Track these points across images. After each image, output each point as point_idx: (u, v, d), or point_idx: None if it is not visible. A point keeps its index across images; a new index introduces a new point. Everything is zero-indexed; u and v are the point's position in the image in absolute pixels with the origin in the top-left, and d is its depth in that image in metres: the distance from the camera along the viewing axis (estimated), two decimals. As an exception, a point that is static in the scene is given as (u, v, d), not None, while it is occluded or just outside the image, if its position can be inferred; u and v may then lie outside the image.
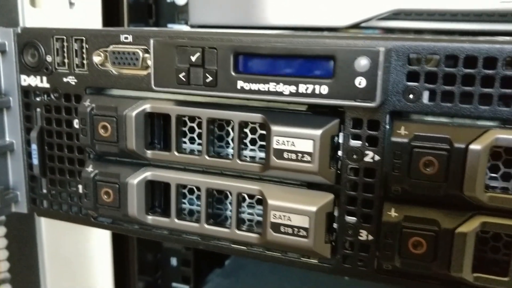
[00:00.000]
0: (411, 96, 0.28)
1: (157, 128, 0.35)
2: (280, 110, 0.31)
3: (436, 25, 0.50)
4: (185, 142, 0.36)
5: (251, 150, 0.34)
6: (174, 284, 0.72)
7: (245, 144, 0.34)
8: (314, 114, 0.30)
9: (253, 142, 0.34)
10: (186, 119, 0.35)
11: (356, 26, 0.51)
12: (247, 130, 0.34)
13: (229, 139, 0.34)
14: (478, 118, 0.27)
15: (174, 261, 0.71)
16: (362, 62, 0.26)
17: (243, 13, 0.54)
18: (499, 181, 0.29)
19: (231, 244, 0.34)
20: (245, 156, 0.33)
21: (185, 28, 0.61)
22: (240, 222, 0.33)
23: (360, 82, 0.26)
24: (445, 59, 0.27)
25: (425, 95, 0.28)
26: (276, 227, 0.31)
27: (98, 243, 0.65)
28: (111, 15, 0.61)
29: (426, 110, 0.28)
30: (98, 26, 0.59)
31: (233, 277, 0.72)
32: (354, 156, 0.30)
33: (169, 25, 0.65)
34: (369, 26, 0.52)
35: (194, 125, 0.35)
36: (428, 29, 0.50)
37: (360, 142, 0.30)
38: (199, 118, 0.33)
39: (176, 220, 0.34)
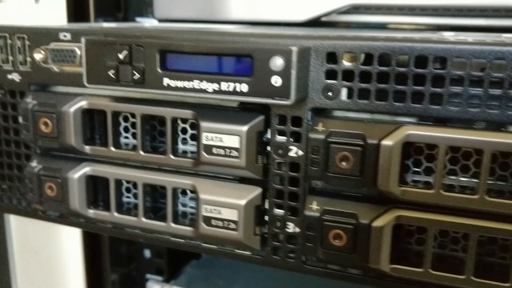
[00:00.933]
0: (330, 93, 0.29)
1: (98, 124, 0.36)
2: (211, 107, 0.31)
3: (397, 19, 0.51)
4: (127, 138, 0.36)
5: (192, 145, 0.35)
6: (148, 276, 0.72)
7: (185, 140, 0.35)
8: (242, 110, 0.31)
9: (193, 137, 0.35)
10: (128, 115, 0.36)
11: (316, 21, 0.52)
12: (187, 126, 0.35)
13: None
14: (394, 115, 0.28)
15: (147, 253, 0.72)
16: (277, 62, 0.27)
17: (205, 7, 0.55)
18: (422, 175, 0.30)
19: (170, 237, 0.35)
20: (185, 152, 0.34)
21: (154, 22, 0.61)
22: (177, 216, 0.34)
23: (276, 80, 0.27)
24: (364, 58, 0.28)
25: (344, 93, 0.29)
26: (207, 220, 0.32)
27: (69, 235, 0.66)
28: (78, 9, 0.61)
29: (344, 107, 0.29)
30: (63, 21, 0.60)
31: (207, 269, 0.73)
32: (280, 151, 0.31)
33: (138, 19, 0.65)
34: (330, 21, 0.53)
35: (135, 120, 0.36)
36: (389, 23, 0.51)
37: (285, 137, 0.30)
38: (133, 114, 0.34)
39: (116, 214, 0.35)
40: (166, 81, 0.30)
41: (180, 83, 0.29)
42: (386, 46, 0.27)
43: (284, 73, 0.27)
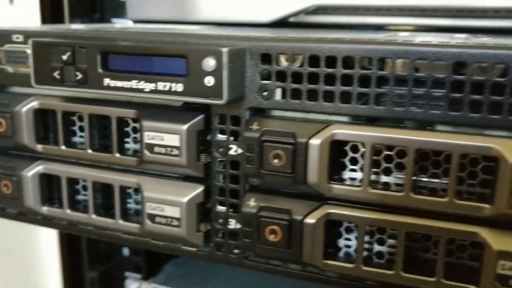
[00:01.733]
0: (265, 93, 0.30)
1: (52, 123, 0.36)
2: (155, 106, 0.32)
3: (364, 19, 0.51)
4: (82, 137, 0.37)
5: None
6: (127, 273, 0.73)
7: (136, 139, 0.36)
8: (184, 110, 0.32)
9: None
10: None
11: (283, 21, 0.52)
12: (137, 125, 0.36)
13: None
14: (325, 114, 0.29)
15: (126, 251, 0.73)
16: (209, 62, 0.28)
17: (175, 9, 0.56)
18: (358, 172, 0.30)
19: (121, 234, 0.36)
20: (136, 151, 0.35)
21: (129, 23, 0.62)
22: (126, 213, 0.35)
23: (209, 80, 0.28)
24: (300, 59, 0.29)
25: (278, 93, 0.30)
26: (152, 217, 0.33)
27: (46, 234, 0.66)
28: (53, 11, 0.62)
29: (279, 106, 0.30)
30: (37, 22, 0.61)
31: (186, 267, 0.74)
32: (221, 150, 0.31)
33: (114, 20, 0.66)
34: (298, 21, 0.53)
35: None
36: (357, 24, 0.52)
37: (225, 136, 0.31)
38: (80, 113, 0.35)
39: (68, 211, 0.36)
40: (106, 81, 0.30)
41: (119, 83, 0.30)
42: (316, 47, 0.28)
43: (216, 74, 0.28)
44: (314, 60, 0.28)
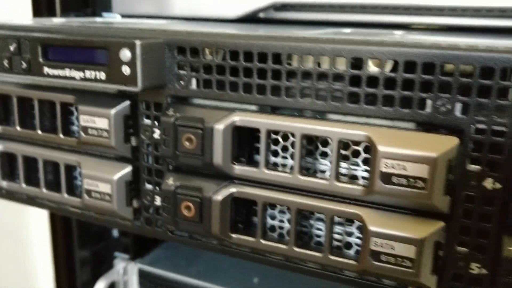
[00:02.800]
0: (182, 82, 0.33)
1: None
2: (92, 93, 0.36)
3: (330, 16, 0.54)
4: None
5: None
6: (116, 253, 0.77)
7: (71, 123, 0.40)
8: (114, 96, 0.35)
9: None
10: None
11: (252, 17, 0.55)
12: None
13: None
14: (233, 102, 0.32)
15: (115, 233, 0.77)
16: (126, 53, 0.31)
17: (154, 4, 0.60)
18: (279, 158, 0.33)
19: (69, 208, 0.40)
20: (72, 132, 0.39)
21: (118, 17, 0.66)
22: (72, 188, 0.39)
23: (126, 70, 0.31)
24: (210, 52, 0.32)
25: (194, 82, 0.33)
26: (89, 192, 0.37)
27: (36, 215, 0.71)
28: (44, 4, 0.66)
29: (194, 94, 0.33)
30: (29, 15, 0.65)
31: (174, 251, 0.78)
32: (147, 133, 0.35)
33: (105, 14, 0.70)
34: (269, 17, 0.56)
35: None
36: (323, 20, 0.54)
37: (150, 121, 0.35)
38: (30, 99, 0.39)
39: (24, 186, 0.40)
40: (46, 69, 0.34)
41: (56, 72, 0.34)
42: (222, 42, 0.31)
43: (131, 64, 0.31)
44: (232, 54, 0.31)
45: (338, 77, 0.29)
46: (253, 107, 0.32)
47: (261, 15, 0.57)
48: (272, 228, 0.34)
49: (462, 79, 0.26)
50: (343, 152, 0.30)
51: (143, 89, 0.32)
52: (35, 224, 0.71)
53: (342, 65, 0.28)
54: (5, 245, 0.74)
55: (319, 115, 0.30)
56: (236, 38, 0.31)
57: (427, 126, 0.27)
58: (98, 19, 0.62)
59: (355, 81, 0.28)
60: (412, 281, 0.28)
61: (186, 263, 0.74)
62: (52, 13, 0.66)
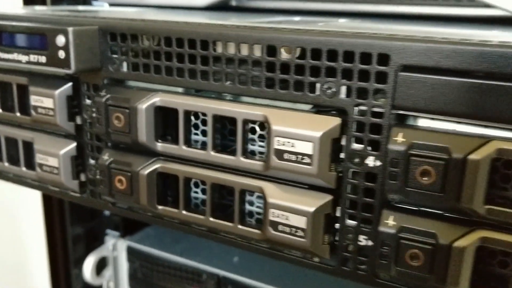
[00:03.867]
0: (114, 65, 0.36)
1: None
2: (43, 75, 0.39)
3: (303, 5, 0.56)
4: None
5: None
6: (107, 231, 0.81)
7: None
8: (61, 78, 0.39)
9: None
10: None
11: (225, 5, 0.58)
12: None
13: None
14: (161, 84, 0.35)
15: (107, 211, 0.80)
16: (61, 39, 0.34)
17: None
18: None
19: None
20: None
21: (106, 5, 0.70)
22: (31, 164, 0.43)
23: (62, 54, 0.35)
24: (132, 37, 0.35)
25: (125, 65, 0.36)
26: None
27: (29, 193, 0.74)
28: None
29: (125, 77, 0.36)
30: (19, 4, 0.69)
31: (163, 229, 0.81)
32: (88, 112, 0.38)
33: (94, 3, 0.74)
34: (241, 5, 0.59)
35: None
36: (294, 9, 0.56)
37: (90, 101, 0.38)
38: None
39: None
40: (0, 54, 0.38)
41: (6, 55, 0.38)
42: (151, 28, 0.34)
43: (66, 48, 0.34)
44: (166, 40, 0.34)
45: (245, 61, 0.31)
46: (180, 89, 0.35)
47: (233, 3, 0.59)
48: (203, 202, 0.36)
49: (344, 64, 0.28)
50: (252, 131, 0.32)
51: (77, 72, 0.35)
52: (29, 202, 0.75)
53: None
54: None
55: (232, 97, 0.33)
56: (160, 25, 0.33)
57: (318, 107, 0.30)
58: (80, 7, 0.65)
59: (265, 66, 0.31)
60: (306, 250, 0.31)
61: (173, 241, 0.77)
62: (43, 2, 0.70)
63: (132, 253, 0.71)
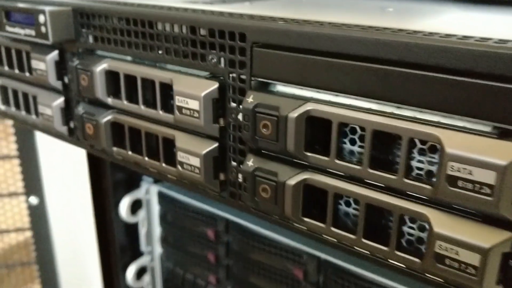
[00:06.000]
0: (83, 38, 0.47)
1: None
2: (35, 44, 0.51)
3: None
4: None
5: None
6: (143, 177, 0.92)
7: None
8: (48, 46, 0.50)
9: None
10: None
11: None
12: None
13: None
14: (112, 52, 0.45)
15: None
16: (41, 17, 0.45)
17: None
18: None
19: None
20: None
21: None
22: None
23: (43, 29, 0.46)
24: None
25: (91, 38, 0.46)
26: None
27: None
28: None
29: (91, 47, 0.47)
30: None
31: None
32: (70, 76, 0.50)
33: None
34: None
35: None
36: None
37: (77, 66, 0.49)
38: None
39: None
40: (7, 28, 0.50)
41: (11, 29, 0.50)
42: (104, 9, 0.44)
43: (45, 25, 0.46)
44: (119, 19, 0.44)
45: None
46: (129, 58, 0.45)
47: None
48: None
49: (220, 40, 0.36)
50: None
51: (54, 43, 0.46)
52: (77, 154, 0.88)
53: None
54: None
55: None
56: (113, 7, 0.43)
57: (209, 74, 0.38)
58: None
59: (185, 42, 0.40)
60: (200, 183, 0.37)
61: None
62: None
63: (162, 197, 0.81)
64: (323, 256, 0.51)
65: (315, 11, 0.42)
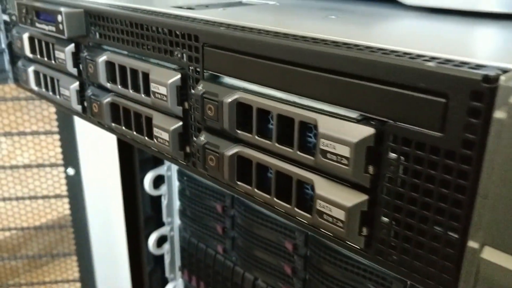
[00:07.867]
0: (91, 34, 0.58)
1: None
2: (59, 38, 0.63)
3: None
4: None
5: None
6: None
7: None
8: (66, 40, 0.61)
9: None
10: None
11: None
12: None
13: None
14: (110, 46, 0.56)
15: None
16: (59, 17, 0.57)
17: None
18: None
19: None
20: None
21: None
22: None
23: (61, 26, 0.57)
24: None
25: (97, 34, 0.57)
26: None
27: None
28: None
29: (98, 42, 0.57)
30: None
31: None
32: (82, 64, 0.61)
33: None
34: None
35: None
36: None
37: (83, 54, 0.61)
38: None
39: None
40: (36, 24, 0.62)
41: (40, 26, 0.62)
42: (104, 12, 0.54)
43: (62, 23, 0.57)
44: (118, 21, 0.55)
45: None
46: (125, 52, 0.55)
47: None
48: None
49: (182, 40, 0.46)
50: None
51: (69, 38, 0.58)
52: (108, 134, 1.01)
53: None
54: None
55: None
56: (113, 11, 0.54)
57: (177, 66, 0.48)
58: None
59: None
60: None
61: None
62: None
63: (181, 174, 0.90)
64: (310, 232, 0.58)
65: (270, 17, 0.51)
